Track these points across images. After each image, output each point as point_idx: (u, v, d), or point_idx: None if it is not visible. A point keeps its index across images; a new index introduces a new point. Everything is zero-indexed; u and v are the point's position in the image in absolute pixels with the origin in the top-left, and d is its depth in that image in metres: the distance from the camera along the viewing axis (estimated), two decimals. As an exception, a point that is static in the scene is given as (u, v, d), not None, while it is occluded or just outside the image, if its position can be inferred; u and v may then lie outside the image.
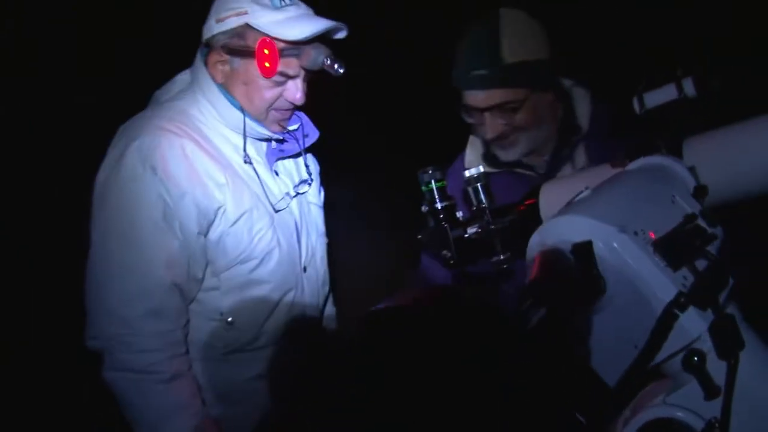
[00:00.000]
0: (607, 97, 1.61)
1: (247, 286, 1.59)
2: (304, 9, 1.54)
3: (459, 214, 1.51)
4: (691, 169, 0.96)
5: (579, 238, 0.71)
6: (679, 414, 0.71)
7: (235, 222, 1.55)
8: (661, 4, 2.61)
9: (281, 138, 1.66)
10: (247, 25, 1.49)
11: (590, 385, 0.76)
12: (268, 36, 1.48)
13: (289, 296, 1.66)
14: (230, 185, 1.54)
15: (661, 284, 0.73)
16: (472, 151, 1.75)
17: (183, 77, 1.66)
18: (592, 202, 0.81)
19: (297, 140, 1.70)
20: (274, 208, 1.64)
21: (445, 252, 1.43)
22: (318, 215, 1.81)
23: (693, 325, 0.72)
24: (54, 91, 2.70)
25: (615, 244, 0.73)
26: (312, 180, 1.77)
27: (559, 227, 0.76)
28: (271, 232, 1.61)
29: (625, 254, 0.73)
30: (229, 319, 1.58)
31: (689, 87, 1.03)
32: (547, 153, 1.64)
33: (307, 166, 1.77)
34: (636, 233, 0.75)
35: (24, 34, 2.81)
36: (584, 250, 0.67)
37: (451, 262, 1.44)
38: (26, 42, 2.81)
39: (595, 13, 2.74)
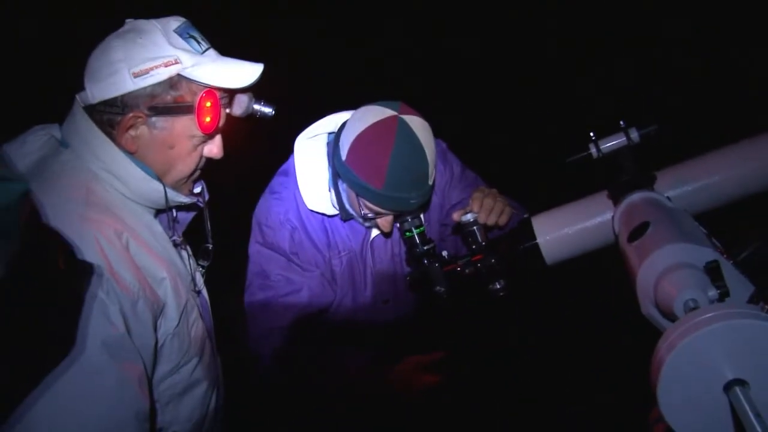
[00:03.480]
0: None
1: (187, 390, 1.38)
2: (214, 50, 1.35)
3: (444, 253, 1.70)
4: (668, 199, 1.27)
5: (699, 261, 0.94)
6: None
7: (179, 322, 1.32)
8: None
9: (197, 205, 1.45)
10: (180, 76, 1.25)
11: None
12: (207, 86, 1.28)
13: (217, 391, 1.51)
14: (168, 278, 1.30)
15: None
16: (317, 196, 1.79)
17: (34, 140, 1.28)
18: (688, 232, 1.02)
19: (200, 205, 1.47)
20: (197, 291, 1.46)
21: (438, 288, 1.61)
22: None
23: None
24: (54, 91, 2.80)
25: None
26: (212, 248, 1.52)
27: (683, 253, 0.96)
28: (200, 320, 1.42)
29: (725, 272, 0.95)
30: None
31: (635, 135, 1.35)
32: None
33: (208, 235, 1.51)
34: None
35: (24, 34, 2.90)
36: (716, 267, 0.92)
37: (445, 296, 1.61)
38: (26, 42, 2.91)
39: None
